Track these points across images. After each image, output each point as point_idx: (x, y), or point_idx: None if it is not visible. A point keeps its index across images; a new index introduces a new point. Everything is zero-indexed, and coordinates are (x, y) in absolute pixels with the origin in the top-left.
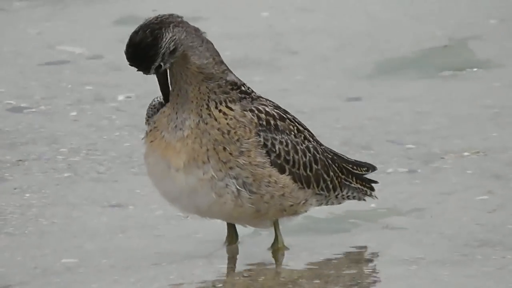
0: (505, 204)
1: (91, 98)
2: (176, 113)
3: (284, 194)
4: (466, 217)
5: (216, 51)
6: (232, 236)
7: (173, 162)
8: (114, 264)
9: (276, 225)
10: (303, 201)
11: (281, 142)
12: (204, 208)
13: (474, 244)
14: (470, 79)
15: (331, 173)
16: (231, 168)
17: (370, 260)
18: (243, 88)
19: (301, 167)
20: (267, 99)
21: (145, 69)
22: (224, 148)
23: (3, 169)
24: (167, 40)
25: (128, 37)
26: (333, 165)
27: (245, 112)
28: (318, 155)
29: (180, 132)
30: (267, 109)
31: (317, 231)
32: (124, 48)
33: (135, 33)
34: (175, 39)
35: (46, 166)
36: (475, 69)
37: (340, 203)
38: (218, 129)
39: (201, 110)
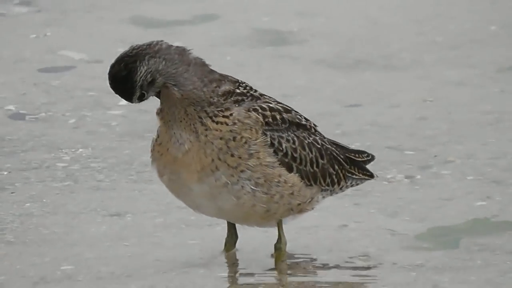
0: (504, 210)
1: (91, 104)
2: (172, 129)
3: (293, 193)
4: (465, 224)
5: (205, 69)
6: (232, 236)
7: (185, 176)
8: (113, 271)
9: (279, 225)
10: (309, 199)
11: (288, 140)
12: (227, 211)
13: (474, 249)
14: (470, 84)
15: (336, 167)
16: (242, 171)
17: (370, 268)
18: (238, 90)
19: (308, 164)
20: (270, 97)
21: (127, 100)
22: (232, 154)
23: (3, 178)
24: (142, 74)
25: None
26: (338, 158)
27: (249, 113)
28: (324, 147)
29: (182, 146)
30: (271, 105)
31: (316, 238)
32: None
33: (111, 66)
34: (151, 71)
35: (46, 174)
36: (473, 74)
37: (342, 191)
38: (221, 138)
39: (195, 127)
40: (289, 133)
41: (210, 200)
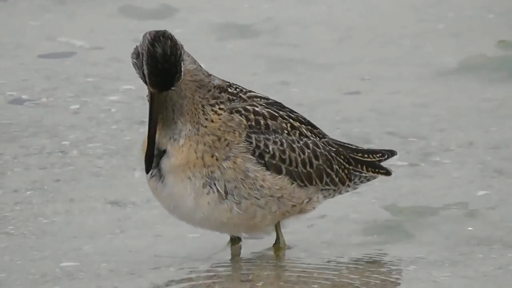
0: (505, 200)
1: (91, 90)
2: (172, 125)
3: (282, 196)
4: (466, 214)
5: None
6: (235, 238)
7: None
8: (114, 268)
9: (277, 225)
10: (307, 200)
11: (275, 142)
12: (188, 210)
13: (473, 242)
14: (470, 71)
15: (335, 166)
16: (212, 171)
17: (369, 261)
18: (230, 89)
19: (300, 165)
20: (261, 97)
21: (172, 81)
22: (212, 155)
23: (3, 164)
24: (179, 46)
25: (148, 54)
26: (338, 158)
27: (232, 115)
28: (318, 150)
29: (177, 142)
30: (256, 108)
31: (316, 231)
32: (148, 65)
33: (155, 46)
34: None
35: (46, 160)
36: (473, 61)
37: (355, 188)
38: (213, 134)
39: (198, 117)
40: (276, 135)
41: (173, 197)
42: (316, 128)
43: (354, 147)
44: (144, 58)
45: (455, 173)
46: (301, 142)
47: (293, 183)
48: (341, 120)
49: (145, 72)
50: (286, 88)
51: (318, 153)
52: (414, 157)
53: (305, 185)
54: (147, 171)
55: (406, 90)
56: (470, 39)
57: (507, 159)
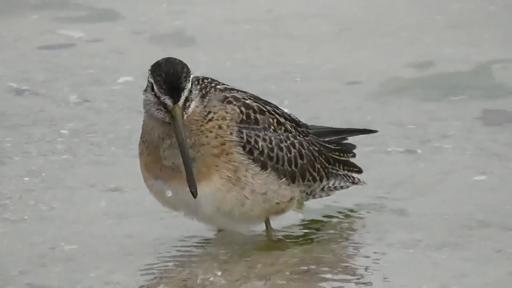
0: (504, 184)
1: (91, 81)
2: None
3: (266, 192)
4: (464, 198)
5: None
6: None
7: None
8: (113, 251)
9: (267, 222)
10: (289, 198)
11: (264, 139)
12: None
13: (472, 225)
14: (470, 62)
15: (317, 166)
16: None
17: (368, 244)
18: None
19: (286, 163)
20: (238, 90)
21: (183, 87)
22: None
23: (3, 152)
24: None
25: (159, 66)
26: (320, 157)
27: (227, 106)
28: (303, 150)
29: None
30: (247, 101)
31: (314, 215)
32: (160, 73)
33: (169, 62)
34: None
35: (46, 148)
36: (473, 53)
37: (328, 195)
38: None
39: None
40: (266, 132)
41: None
42: (300, 126)
43: (332, 146)
44: (155, 78)
45: (454, 157)
46: (289, 142)
47: (278, 180)
48: (340, 109)
49: (159, 84)
50: (287, 78)
51: (304, 153)
52: (413, 144)
53: (289, 183)
54: (194, 196)
55: (405, 80)
56: (470, 31)
57: (506, 144)
